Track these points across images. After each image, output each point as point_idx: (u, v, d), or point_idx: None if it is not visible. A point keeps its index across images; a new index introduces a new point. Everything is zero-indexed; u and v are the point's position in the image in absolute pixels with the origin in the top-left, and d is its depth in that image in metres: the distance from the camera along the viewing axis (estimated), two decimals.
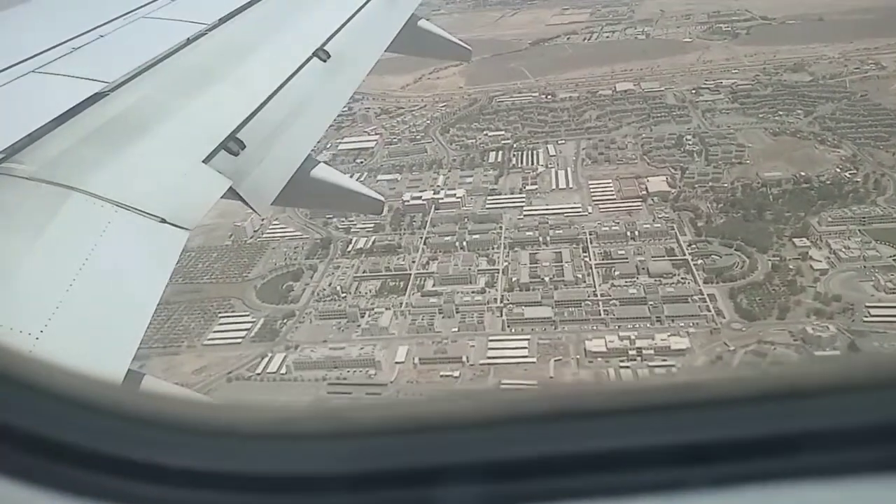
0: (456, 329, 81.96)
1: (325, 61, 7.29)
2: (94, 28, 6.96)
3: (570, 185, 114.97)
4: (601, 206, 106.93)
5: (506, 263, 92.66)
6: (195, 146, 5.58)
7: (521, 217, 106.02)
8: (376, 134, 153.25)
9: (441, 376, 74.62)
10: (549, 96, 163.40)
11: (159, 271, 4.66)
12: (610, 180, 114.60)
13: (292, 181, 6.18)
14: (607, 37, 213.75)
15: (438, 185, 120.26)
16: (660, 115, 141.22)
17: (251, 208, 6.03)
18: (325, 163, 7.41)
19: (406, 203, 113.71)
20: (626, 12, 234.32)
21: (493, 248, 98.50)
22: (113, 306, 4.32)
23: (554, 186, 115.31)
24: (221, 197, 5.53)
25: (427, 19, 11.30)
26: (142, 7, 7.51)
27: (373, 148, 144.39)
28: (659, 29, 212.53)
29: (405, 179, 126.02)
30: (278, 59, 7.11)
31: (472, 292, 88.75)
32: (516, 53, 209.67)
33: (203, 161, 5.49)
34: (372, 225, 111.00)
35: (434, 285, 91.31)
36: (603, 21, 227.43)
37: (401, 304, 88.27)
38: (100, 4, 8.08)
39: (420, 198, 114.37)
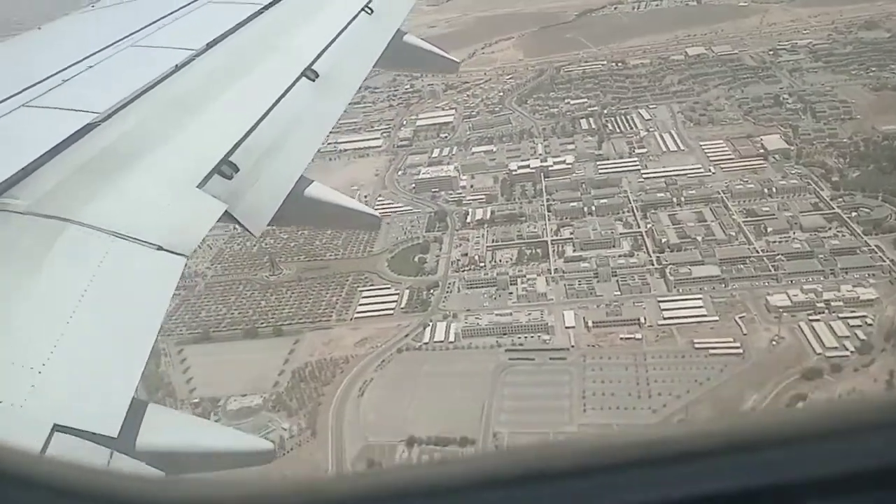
0: (618, 292, 79.76)
1: (313, 81, 7.20)
2: (84, 59, 6.88)
3: (682, 147, 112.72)
4: (722, 165, 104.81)
5: (650, 225, 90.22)
6: (189, 172, 5.49)
7: (642, 180, 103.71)
8: (450, 108, 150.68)
9: (621, 339, 72.45)
10: (620, 63, 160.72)
11: (159, 299, 4.54)
12: (721, 140, 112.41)
13: (287, 201, 6.02)
14: (656, 5, 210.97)
15: (540, 154, 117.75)
16: (745, 76, 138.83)
17: (247, 230, 5.81)
18: (319, 182, 7.19)
19: (514, 172, 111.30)
20: None
21: (623, 212, 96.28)
22: (114, 336, 4.20)
23: (664, 149, 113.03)
24: (217, 221, 5.35)
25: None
26: (130, 35, 7.44)
27: (452, 122, 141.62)
28: None
29: (501, 150, 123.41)
30: (267, 80, 7.05)
31: (620, 255, 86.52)
32: (565, 25, 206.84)
33: (197, 186, 5.39)
34: (483, 196, 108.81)
35: (575, 250, 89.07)
36: None
37: (549, 270, 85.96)
38: (88, 35, 8.02)
39: (528, 166, 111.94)
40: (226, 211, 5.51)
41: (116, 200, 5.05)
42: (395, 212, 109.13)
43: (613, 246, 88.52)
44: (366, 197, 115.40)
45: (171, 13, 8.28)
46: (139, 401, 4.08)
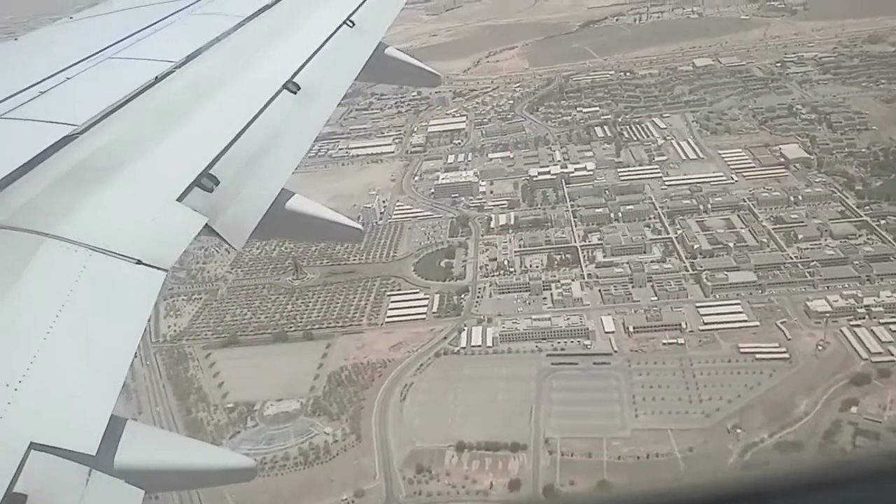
0: (655, 297, 79.45)
1: (295, 93, 7.12)
2: (61, 71, 6.82)
3: (701, 156, 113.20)
4: (744, 173, 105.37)
5: (680, 231, 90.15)
6: (168, 185, 5.41)
7: (665, 187, 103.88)
8: (461, 116, 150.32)
9: (664, 344, 72.02)
10: (628, 73, 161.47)
11: (138, 313, 4.43)
12: (739, 149, 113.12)
13: (268, 214, 5.92)
14: (658, 17, 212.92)
15: (559, 160, 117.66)
16: (755, 87, 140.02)
17: (228, 244, 5.62)
18: (300, 194, 7.10)
19: (534, 178, 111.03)
20: None
21: (650, 218, 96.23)
22: (92, 353, 4.08)
23: (684, 157, 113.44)
24: (197, 235, 5.27)
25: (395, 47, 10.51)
26: (108, 47, 7.35)
27: (464, 129, 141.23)
28: (710, 8, 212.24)
29: (518, 156, 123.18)
30: (248, 93, 6.99)
31: (652, 261, 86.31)
32: (568, 35, 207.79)
33: (177, 199, 5.30)
34: (505, 202, 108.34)
35: (606, 256, 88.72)
36: (647, 3, 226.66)
37: (581, 275, 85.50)
38: (66, 47, 7.90)
39: (548, 172, 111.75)
40: (206, 224, 5.36)
41: (94, 214, 4.93)
42: (416, 217, 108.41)
43: (644, 252, 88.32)
44: (384, 202, 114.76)
45: (151, 25, 8.11)
46: (118, 418, 3.89)
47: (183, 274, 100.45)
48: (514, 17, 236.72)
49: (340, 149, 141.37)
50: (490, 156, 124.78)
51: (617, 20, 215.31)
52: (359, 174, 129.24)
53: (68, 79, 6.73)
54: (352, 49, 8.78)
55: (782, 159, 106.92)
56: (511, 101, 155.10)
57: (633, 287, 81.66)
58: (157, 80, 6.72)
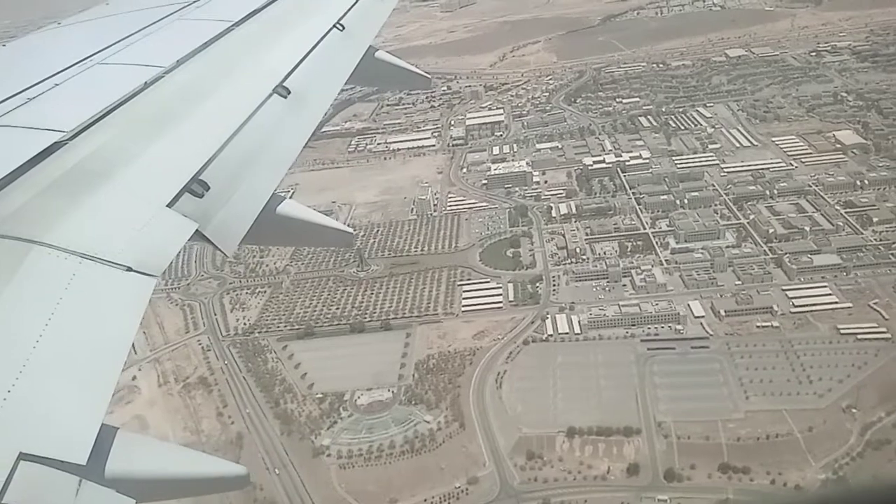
0: (739, 282, 78.81)
1: (285, 98, 7.10)
2: (49, 77, 6.78)
3: (754, 143, 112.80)
4: (802, 159, 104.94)
5: (752, 216, 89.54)
6: (158, 191, 5.38)
7: (724, 174, 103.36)
8: (498, 108, 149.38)
9: (758, 326, 71.32)
10: (661, 65, 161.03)
11: (128, 321, 4.40)
12: (792, 136, 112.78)
13: (259, 219, 5.86)
14: (679, 10, 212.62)
15: (609, 149, 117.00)
16: (794, 76, 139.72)
17: (218, 249, 5.56)
18: (291, 198, 7.05)
19: (589, 168, 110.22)
20: None
21: (716, 204, 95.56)
22: (82, 361, 4.07)
23: (737, 145, 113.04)
24: (188, 241, 5.21)
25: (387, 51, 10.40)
26: (97, 53, 7.30)
27: (503, 121, 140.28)
28: (731, 1, 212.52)
29: (567, 146, 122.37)
30: (238, 97, 6.94)
31: (727, 246, 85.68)
32: (591, 29, 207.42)
33: (167, 205, 5.27)
34: (562, 191, 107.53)
35: (679, 242, 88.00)
36: None
37: (658, 261, 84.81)
38: (55, 53, 7.89)
39: (603, 161, 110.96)
40: (197, 230, 5.32)
41: (84, 221, 4.88)
42: (471, 207, 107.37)
43: (718, 237, 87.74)
44: (436, 193, 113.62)
45: (140, 30, 8.06)
46: (108, 427, 3.83)
47: (241, 268, 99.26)
48: (530, 13, 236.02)
49: (379, 143, 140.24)
50: (537, 146, 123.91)
51: (637, 14, 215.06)
52: (403, 167, 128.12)
53: (56, 85, 6.66)
54: (342, 53, 8.71)
55: (838, 145, 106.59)
56: (546, 94, 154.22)
57: (714, 272, 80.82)
58: (147, 85, 6.63)
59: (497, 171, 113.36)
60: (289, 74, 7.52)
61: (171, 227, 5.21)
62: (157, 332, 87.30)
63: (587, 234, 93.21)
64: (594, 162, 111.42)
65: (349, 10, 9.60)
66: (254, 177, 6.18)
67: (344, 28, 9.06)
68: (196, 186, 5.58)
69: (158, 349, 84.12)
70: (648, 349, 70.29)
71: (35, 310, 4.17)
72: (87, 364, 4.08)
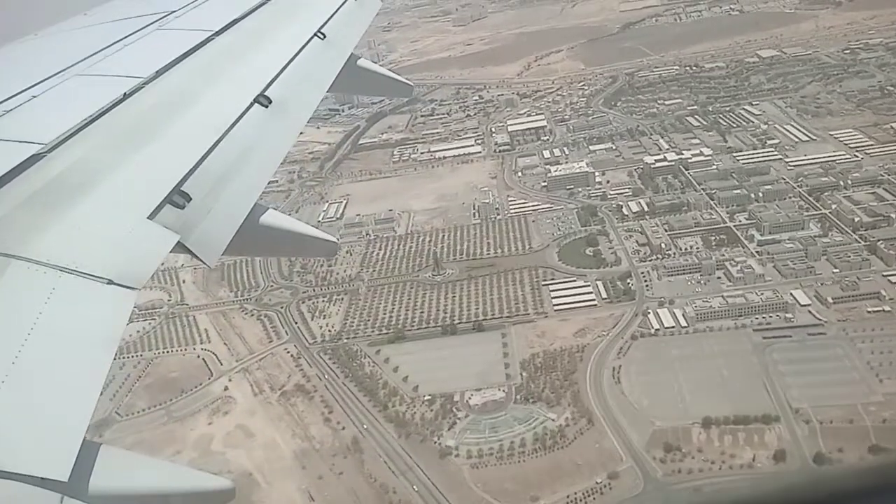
0: (836, 269, 78.21)
1: (266, 107, 7.06)
2: (27, 88, 6.69)
3: (813, 137, 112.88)
4: (866, 151, 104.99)
5: (835, 206, 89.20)
6: (139, 202, 5.28)
7: (791, 168, 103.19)
8: (538, 114, 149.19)
9: (868, 312, 70.56)
10: (695, 67, 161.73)
11: (110, 334, 4.36)
12: (850, 129, 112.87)
13: (242, 230, 5.79)
14: (698, 15, 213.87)
15: (666, 148, 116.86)
16: (834, 73, 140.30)
17: (200, 261, 5.42)
18: (274, 208, 7.00)
19: (652, 166, 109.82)
20: None
21: (790, 197, 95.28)
22: (63, 376, 4.03)
23: (796, 140, 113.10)
24: (170, 251, 5.15)
25: (373, 59, 11.12)
26: (75, 64, 7.22)
27: (546, 126, 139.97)
28: (748, 5, 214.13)
29: (622, 146, 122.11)
30: (220, 107, 6.90)
31: (814, 236, 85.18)
32: (611, 37, 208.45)
33: (148, 217, 5.18)
34: (627, 189, 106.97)
35: (763, 234, 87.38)
36: (677, 3, 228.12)
37: (749, 253, 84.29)
38: (32, 64, 7.85)
39: (664, 159, 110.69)
40: (178, 241, 5.26)
41: (63, 234, 4.81)
42: (535, 209, 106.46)
43: (802, 228, 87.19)
44: (496, 197, 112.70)
45: (119, 41, 7.94)
46: (91, 442, 3.78)
47: (311, 277, 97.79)
48: (545, 24, 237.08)
49: (422, 153, 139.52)
50: (591, 148, 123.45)
51: (656, 20, 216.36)
52: (453, 174, 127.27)
53: (34, 97, 6.54)
54: (323, 61, 8.68)
55: None
56: (583, 99, 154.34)
57: (809, 261, 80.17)
58: (126, 96, 6.51)
59: (557, 173, 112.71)
60: (270, 84, 7.46)
61: (152, 239, 5.12)
62: (239, 343, 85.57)
63: (667, 230, 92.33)
64: (655, 160, 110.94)
65: (330, 19, 9.57)
66: (236, 187, 6.08)
67: (325, 37, 9.02)
68: (177, 198, 5.48)
69: (244, 359, 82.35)
70: (764, 338, 69.28)
71: (14, 325, 4.05)
72: (68, 379, 3.96)
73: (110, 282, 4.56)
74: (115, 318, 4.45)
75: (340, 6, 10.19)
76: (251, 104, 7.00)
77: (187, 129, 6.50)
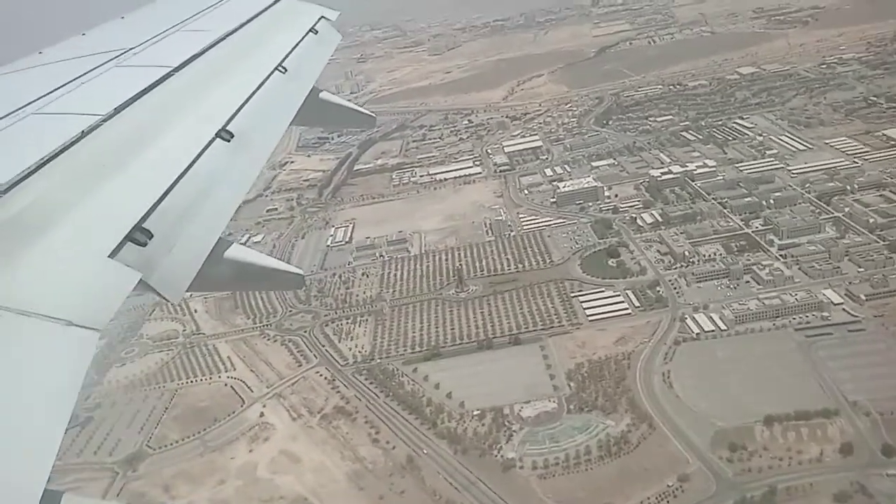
0: (861, 269, 79.99)
1: (228, 141, 7.17)
2: None
3: (809, 146, 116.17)
4: (864, 157, 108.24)
5: (847, 209, 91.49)
6: (99, 241, 5.33)
7: (794, 175, 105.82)
8: (532, 135, 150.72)
9: None
10: (678, 86, 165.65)
11: (70, 377, 4.29)
12: (843, 137, 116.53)
13: (206, 265, 5.94)
14: (671, 38, 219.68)
15: (667, 161, 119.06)
16: (815, 86, 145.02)
17: (163, 298, 5.64)
18: (241, 243, 7.46)
19: (658, 179, 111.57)
20: (665, 19, 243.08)
21: (800, 202, 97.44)
22: (21, 424, 3.92)
23: (793, 149, 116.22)
24: (133, 290, 5.32)
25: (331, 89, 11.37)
26: (30, 103, 7.10)
27: (542, 146, 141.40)
28: (718, 27, 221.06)
29: (624, 161, 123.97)
30: (180, 143, 6.98)
31: (832, 238, 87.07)
32: (588, 61, 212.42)
33: (109, 256, 5.23)
34: (637, 202, 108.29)
35: (782, 238, 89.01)
36: (648, 28, 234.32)
37: (775, 256, 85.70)
38: None
39: (669, 172, 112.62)
40: (141, 280, 5.24)
41: (20, 276, 4.69)
42: (548, 225, 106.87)
43: (819, 231, 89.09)
44: (506, 215, 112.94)
45: (76, 79, 7.84)
46: (52, 491, 3.68)
47: (330, 300, 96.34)
48: (521, 51, 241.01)
49: (421, 176, 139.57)
50: (593, 164, 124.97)
51: (630, 44, 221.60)
52: (457, 195, 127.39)
53: None
54: (285, 95, 8.78)
55: (892, 142, 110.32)
56: (573, 119, 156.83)
57: (833, 261, 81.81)
58: (84, 134, 6.40)
59: (566, 189, 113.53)
60: (231, 118, 7.46)
61: (113, 278, 5.02)
62: (266, 369, 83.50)
63: (687, 239, 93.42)
64: (661, 173, 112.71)
65: (290, 53, 9.65)
66: (199, 222, 6.03)
67: (286, 70, 9.06)
68: (139, 235, 5.41)
69: (275, 385, 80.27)
70: (807, 336, 70.11)
71: None
72: (25, 428, 3.80)
73: (70, 323, 4.40)
74: (75, 360, 4.27)
75: (300, 40, 10.27)
76: (212, 139, 6.95)
77: (148, 165, 6.37)
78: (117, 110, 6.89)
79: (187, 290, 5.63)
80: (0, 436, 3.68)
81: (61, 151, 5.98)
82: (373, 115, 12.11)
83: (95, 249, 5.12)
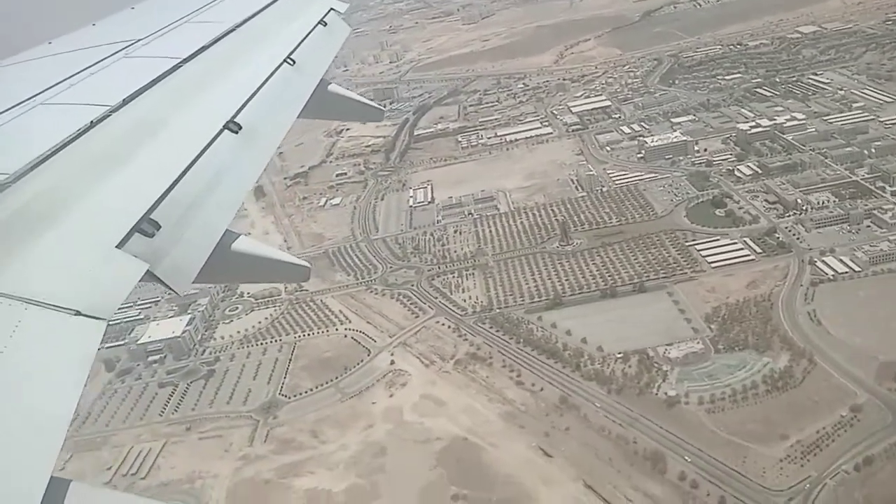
0: None
1: (236, 133, 7.11)
2: None
3: None
4: None
5: None
6: (107, 232, 5.33)
7: (888, 126, 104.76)
8: (596, 96, 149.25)
9: None
10: (739, 45, 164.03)
11: (78, 367, 4.28)
12: None
13: (213, 257, 5.89)
14: (717, 0, 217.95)
15: (752, 116, 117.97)
16: (885, 42, 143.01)
17: (170, 289, 5.56)
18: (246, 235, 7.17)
19: (748, 133, 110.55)
20: None
21: None
22: (29, 412, 3.92)
23: (880, 102, 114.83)
24: (140, 280, 5.27)
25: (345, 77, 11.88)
26: (40, 94, 7.13)
27: (610, 105, 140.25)
28: None
29: (704, 117, 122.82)
30: (189, 134, 6.94)
31: None
32: (635, 24, 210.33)
33: (116, 246, 5.22)
34: (730, 155, 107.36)
35: (893, 185, 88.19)
36: None
37: (890, 202, 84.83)
38: None
39: (758, 126, 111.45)
40: (148, 270, 5.23)
41: (29, 265, 4.73)
42: (640, 179, 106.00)
43: None
44: (593, 171, 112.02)
45: (85, 69, 7.84)
46: (59, 479, 3.69)
47: (428, 256, 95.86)
48: (560, 17, 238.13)
49: (489, 138, 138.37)
50: (672, 121, 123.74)
51: (675, 7, 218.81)
52: (533, 154, 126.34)
53: None
54: (293, 87, 8.73)
55: None
56: (636, 79, 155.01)
57: None
58: (93, 124, 6.40)
59: (654, 144, 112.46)
60: (240, 110, 7.43)
61: (120, 269, 5.06)
62: (383, 321, 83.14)
63: (795, 187, 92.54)
64: (749, 127, 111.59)
65: (299, 45, 9.62)
66: (206, 214, 6.04)
67: (294, 63, 9.04)
68: (146, 226, 5.44)
69: (396, 335, 79.92)
70: None
71: None
72: (33, 415, 3.84)
73: (77, 313, 4.44)
74: (83, 350, 4.30)
75: (309, 33, 10.17)
76: (221, 131, 6.93)
77: (156, 156, 6.37)
78: (126, 101, 6.86)
79: (193, 282, 5.63)
80: (7, 424, 3.67)
81: (70, 142, 5.99)
82: (381, 108, 12.00)
83: (103, 240, 5.13)
